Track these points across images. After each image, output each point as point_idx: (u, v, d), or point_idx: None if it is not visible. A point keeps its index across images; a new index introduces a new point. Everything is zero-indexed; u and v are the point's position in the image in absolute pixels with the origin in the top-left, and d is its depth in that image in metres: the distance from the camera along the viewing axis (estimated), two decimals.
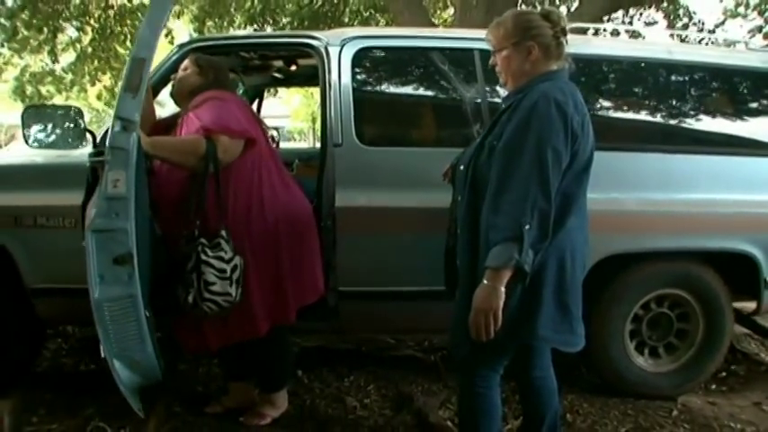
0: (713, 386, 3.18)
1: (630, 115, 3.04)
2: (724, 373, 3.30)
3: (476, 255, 1.85)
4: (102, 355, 2.16)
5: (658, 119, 2.99)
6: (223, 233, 2.31)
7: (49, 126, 2.53)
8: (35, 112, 2.72)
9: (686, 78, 3.03)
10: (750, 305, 3.04)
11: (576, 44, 2.44)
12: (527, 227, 1.70)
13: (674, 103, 2.99)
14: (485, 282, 1.74)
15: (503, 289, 1.72)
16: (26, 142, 2.54)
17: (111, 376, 2.17)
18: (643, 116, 3.01)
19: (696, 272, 2.93)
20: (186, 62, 2.61)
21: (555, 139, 1.76)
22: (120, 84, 2.22)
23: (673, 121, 2.99)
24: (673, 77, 3.03)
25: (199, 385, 3.05)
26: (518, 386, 2.26)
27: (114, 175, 2.06)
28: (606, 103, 3.00)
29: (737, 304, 3.11)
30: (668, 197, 2.81)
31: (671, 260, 2.92)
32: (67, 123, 2.52)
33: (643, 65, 3.00)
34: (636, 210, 2.78)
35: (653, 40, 4.22)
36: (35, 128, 2.52)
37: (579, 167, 1.86)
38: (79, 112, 2.55)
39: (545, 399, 2.11)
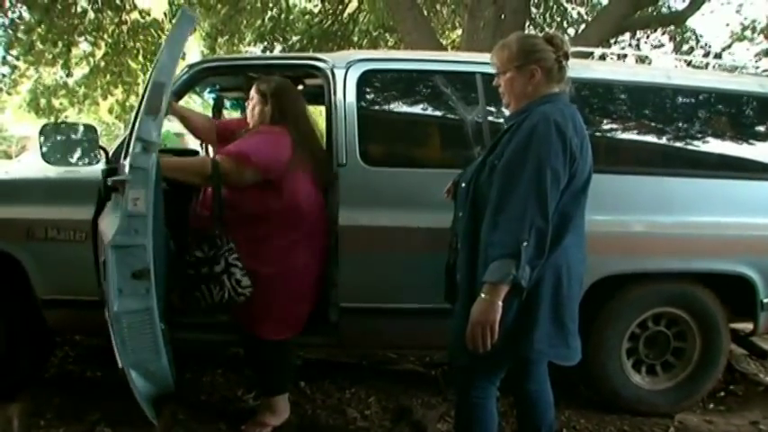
0: (711, 405, 3.19)
1: (629, 138, 3.07)
2: (722, 393, 3.32)
3: (475, 270, 1.89)
4: (120, 365, 2.22)
5: (657, 142, 3.03)
6: (232, 245, 2.48)
7: (66, 144, 2.63)
8: (52, 129, 2.80)
9: (685, 102, 3.09)
10: (748, 326, 3.07)
11: (576, 68, 2.50)
12: (525, 244, 1.75)
13: (672, 126, 3.04)
14: (483, 296, 1.78)
15: (500, 303, 1.76)
16: (44, 159, 2.63)
17: (116, 384, 2.23)
18: (641, 139, 3.06)
19: (693, 292, 2.96)
20: (252, 92, 2.73)
21: (554, 160, 1.81)
22: (132, 99, 2.32)
23: (671, 145, 3.04)
24: (671, 101, 3.08)
25: (203, 394, 3.09)
26: (515, 399, 2.30)
27: (135, 194, 2.16)
28: (606, 127, 3.04)
29: (736, 325, 3.15)
30: (667, 219, 2.84)
31: (669, 280, 2.95)
32: (83, 141, 2.62)
33: (642, 89, 3.04)
34: (635, 231, 2.83)
35: (654, 65, 4.26)
36: (52, 146, 2.63)
37: (577, 188, 1.91)
38: (93, 131, 2.65)
39: (541, 412, 2.16)
